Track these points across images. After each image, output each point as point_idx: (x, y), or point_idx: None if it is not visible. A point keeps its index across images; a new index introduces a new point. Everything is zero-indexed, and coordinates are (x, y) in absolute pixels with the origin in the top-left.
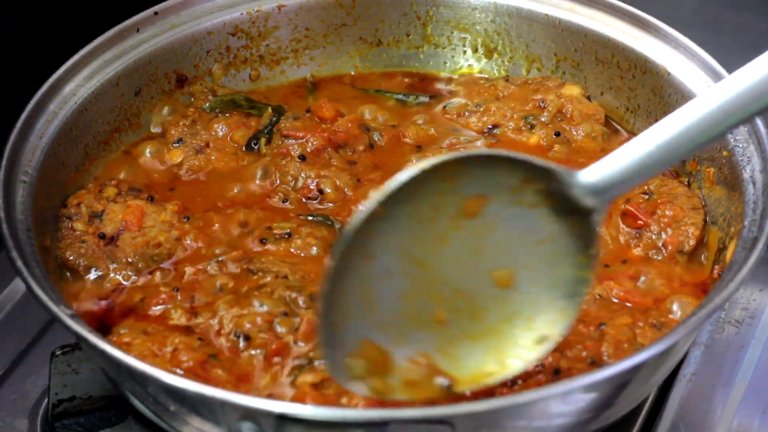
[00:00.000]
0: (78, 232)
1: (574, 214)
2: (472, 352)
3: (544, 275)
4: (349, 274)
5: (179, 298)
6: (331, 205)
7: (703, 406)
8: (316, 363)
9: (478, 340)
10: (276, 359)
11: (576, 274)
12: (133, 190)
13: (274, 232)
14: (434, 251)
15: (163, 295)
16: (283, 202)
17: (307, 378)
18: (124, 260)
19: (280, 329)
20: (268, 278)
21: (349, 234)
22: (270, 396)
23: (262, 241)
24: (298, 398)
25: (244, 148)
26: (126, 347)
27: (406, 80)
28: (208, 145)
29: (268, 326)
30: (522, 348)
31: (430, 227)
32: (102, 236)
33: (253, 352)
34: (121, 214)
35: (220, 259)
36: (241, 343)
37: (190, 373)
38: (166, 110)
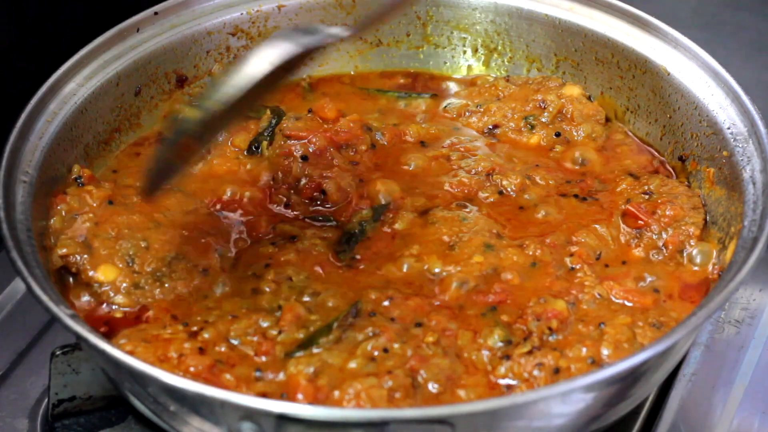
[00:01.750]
0: None
1: None
2: None
3: None
4: None
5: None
6: (333, 207)
7: (703, 406)
8: (300, 354)
9: None
10: (263, 358)
11: None
12: None
13: (278, 234)
14: None
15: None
16: (285, 206)
17: (301, 368)
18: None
19: (264, 324)
20: (271, 278)
21: None
22: (266, 391)
23: (270, 244)
24: (291, 389)
25: (245, 152)
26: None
27: (406, 80)
28: (209, 152)
29: (254, 329)
30: None
31: None
32: None
33: (247, 351)
34: None
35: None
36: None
37: (200, 378)
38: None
